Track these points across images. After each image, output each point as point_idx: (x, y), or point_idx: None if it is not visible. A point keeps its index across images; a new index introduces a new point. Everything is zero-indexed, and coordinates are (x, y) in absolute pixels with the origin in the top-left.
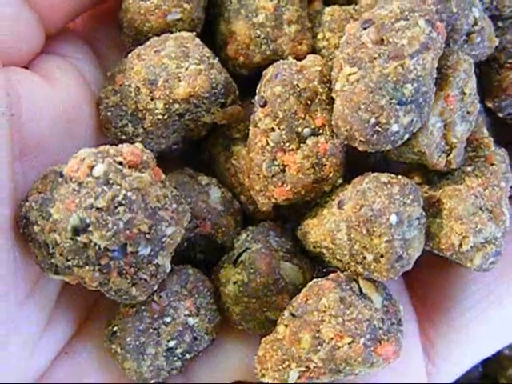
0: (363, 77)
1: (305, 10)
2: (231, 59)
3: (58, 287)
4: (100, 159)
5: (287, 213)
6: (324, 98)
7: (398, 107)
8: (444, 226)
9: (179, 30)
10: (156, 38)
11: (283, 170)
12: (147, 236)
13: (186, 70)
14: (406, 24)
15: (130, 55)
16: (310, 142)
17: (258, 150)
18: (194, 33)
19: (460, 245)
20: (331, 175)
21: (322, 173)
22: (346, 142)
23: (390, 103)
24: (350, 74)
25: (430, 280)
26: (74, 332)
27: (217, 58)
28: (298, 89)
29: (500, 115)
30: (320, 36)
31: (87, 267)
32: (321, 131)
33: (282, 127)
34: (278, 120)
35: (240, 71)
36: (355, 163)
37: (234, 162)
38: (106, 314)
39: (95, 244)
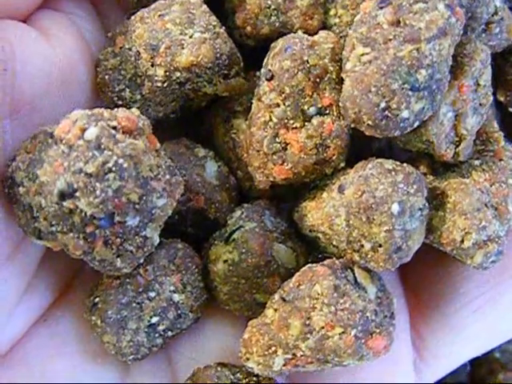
0: (376, 58)
1: None
2: (238, 28)
3: (40, 252)
4: (93, 122)
5: (284, 193)
6: (334, 77)
7: (410, 93)
8: (447, 219)
9: None
10: (161, 2)
11: (285, 148)
12: (136, 206)
13: (190, 37)
14: (425, 7)
15: (132, 17)
16: (315, 121)
17: (260, 125)
18: None
19: (462, 241)
20: (334, 158)
21: (325, 154)
22: (352, 125)
23: (403, 88)
24: (362, 55)
25: (426, 274)
26: (53, 300)
27: (223, 28)
28: (308, 65)
29: (511, 110)
30: (332, 12)
31: (71, 234)
32: (327, 111)
33: (287, 103)
34: (283, 95)
35: (246, 41)
36: (357, 147)
37: (233, 135)
38: (89, 284)
39: (81, 210)
